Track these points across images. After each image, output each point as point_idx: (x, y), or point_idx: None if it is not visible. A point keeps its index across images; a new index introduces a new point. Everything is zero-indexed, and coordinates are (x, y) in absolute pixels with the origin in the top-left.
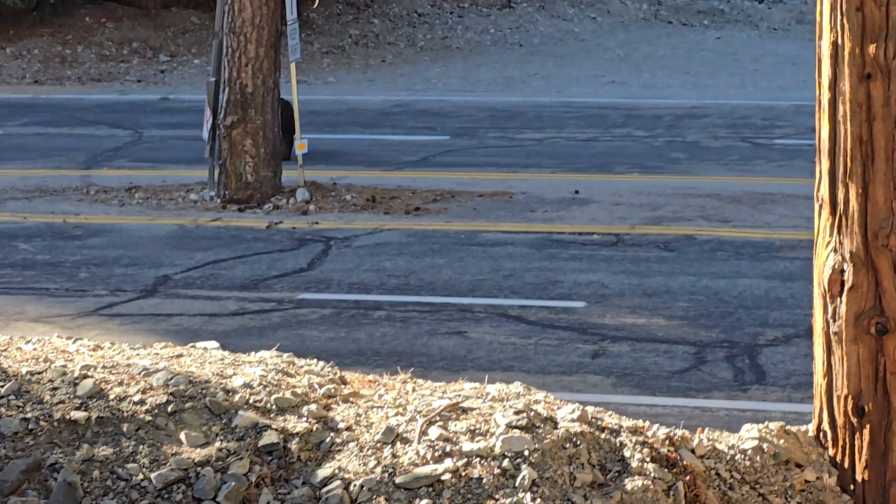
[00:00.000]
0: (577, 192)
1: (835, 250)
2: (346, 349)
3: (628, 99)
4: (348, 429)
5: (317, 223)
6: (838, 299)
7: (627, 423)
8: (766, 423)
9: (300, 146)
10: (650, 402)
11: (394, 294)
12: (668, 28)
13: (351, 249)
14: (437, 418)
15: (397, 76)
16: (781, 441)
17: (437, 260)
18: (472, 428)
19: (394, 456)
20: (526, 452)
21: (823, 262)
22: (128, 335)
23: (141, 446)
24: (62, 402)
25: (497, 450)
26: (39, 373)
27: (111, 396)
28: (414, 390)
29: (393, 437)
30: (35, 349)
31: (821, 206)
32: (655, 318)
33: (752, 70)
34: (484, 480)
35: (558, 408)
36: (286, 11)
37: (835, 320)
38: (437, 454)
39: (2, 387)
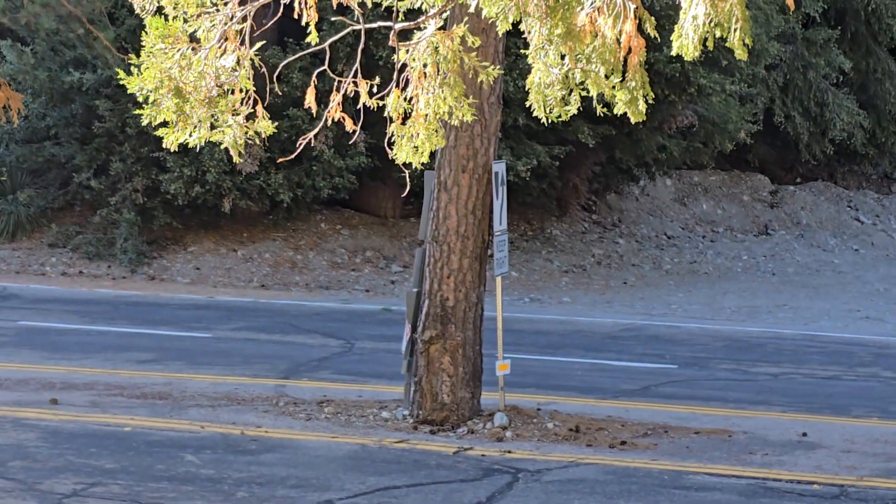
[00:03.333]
0: (804, 434)
1: None
2: None
3: (881, 336)
4: None
5: (509, 452)
6: None
7: None
8: None
9: (502, 367)
10: None
11: None
12: None
13: (539, 484)
14: None
15: (636, 299)
16: None
17: (631, 503)
18: None
19: None
20: None
21: None
22: None
23: None
24: None
25: None
26: None
27: None
28: None
29: None
30: None
31: None
32: None
33: None
34: None
35: None
36: (494, 222)
37: None
38: None
39: None
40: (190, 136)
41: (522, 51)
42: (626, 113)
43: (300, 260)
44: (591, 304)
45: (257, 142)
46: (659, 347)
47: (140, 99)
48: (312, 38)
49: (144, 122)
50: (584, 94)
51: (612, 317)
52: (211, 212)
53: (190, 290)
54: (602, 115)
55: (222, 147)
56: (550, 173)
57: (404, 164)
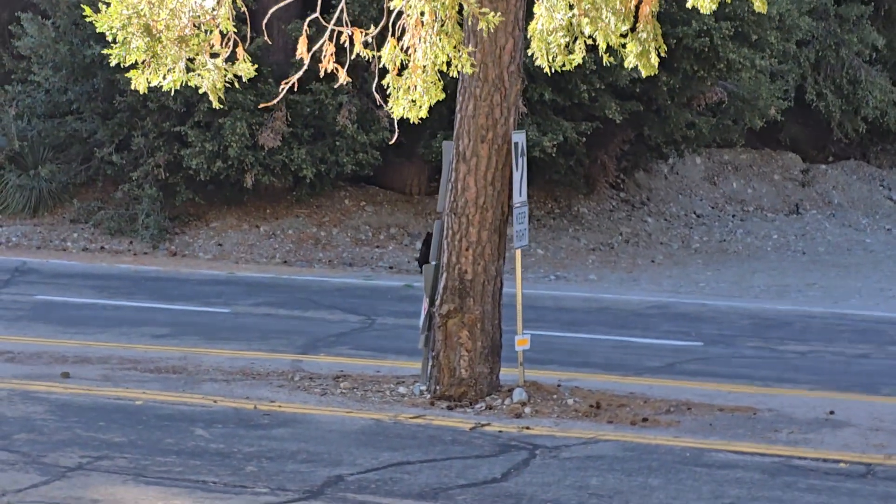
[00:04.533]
0: (831, 412)
1: None
2: None
3: None
4: None
5: (527, 428)
6: None
7: None
8: None
9: (521, 342)
10: None
11: None
12: None
13: (557, 461)
14: None
15: (664, 277)
16: None
17: (651, 480)
18: None
19: None
20: None
21: None
22: None
23: None
24: None
25: None
26: None
27: None
28: None
29: None
30: None
31: None
32: None
33: None
34: None
35: None
36: (513, 193)
37: None
38: None
39: None
40: (164, 78)
41: None
42: (653, 89)
43: (323, 236)
44: (617, 282)
45: (237, 85)
46: (685, 325)
47: (109, 38)
48: None
49: (113, 63)
50: (590, 42)
51: (639, 294)
52: (233, 187)
53: (211, 266)
54: (630, 90)
55: (200, 91)
56: (578, 150)
57: (401, 119)
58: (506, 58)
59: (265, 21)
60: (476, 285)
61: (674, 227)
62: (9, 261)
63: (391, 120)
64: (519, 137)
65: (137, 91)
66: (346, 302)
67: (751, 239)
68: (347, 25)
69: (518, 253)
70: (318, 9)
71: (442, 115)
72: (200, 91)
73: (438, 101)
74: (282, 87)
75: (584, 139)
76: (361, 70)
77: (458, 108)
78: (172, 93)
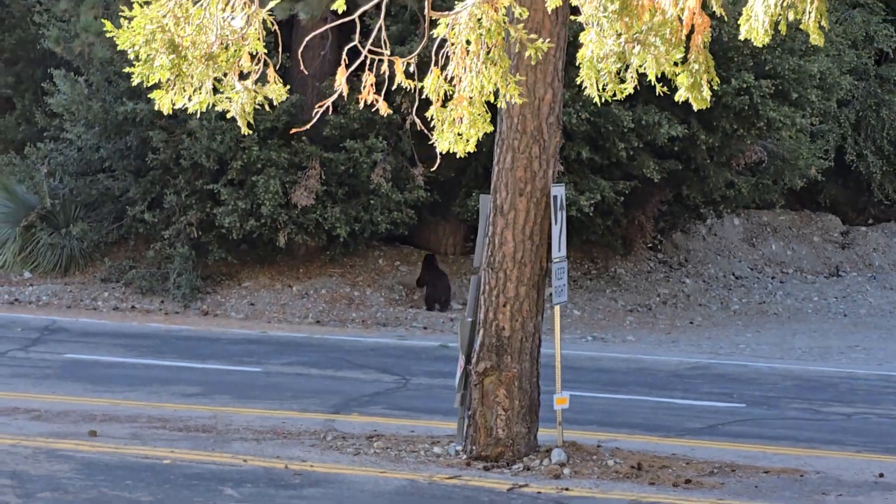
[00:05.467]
0: (881, 475)
1: None
2: None
3: None
4: None
5: (567, 489)
6: None
7: None
8: None
9: (560, 400)
10: None
11: None
12: None
13: None
14: None
15: (703, 339)
16: None
17: None
18: None
19: None
20: None
21: None
22: None
23: None
24: None
25: None
26: None
27: None
28: None
29: None
30: None
31: None
32: None
33: None
34: None
35: None
36: (552, 247)
37: None
38: None
39: None
40: (189, 99)
41: (575, 18)
42: (691, 147)
43: (357, 296)
44: (656, 343)
45: (267, 108)
46: (726, 386)
47: (131, 56)
48: (339, 4)
49: (135, 82)
50: (640, 70)
51: (678, 356)
52: (266, 246)
53: (243, 325)
54: (668, 149)
55: (228, 115)
56: (615, 210)
57: (447, 153)
58: (545, 109)
59: (300, 49)
60: (514, 342)
61: (712, 289)
62: (38, 319)
63: (426, 178)
64: (558, 191)
65: (170, 149)
66: (380, 362)
67: (791, 301)
68: (386, 45)
69: (557, 309)
70: (358, 34)
71: (477, 174)
72: (228, 115)
73: (473, 158)
74: (316, 109)
75: (622, 199)
76: (395, 128)
77: (495, 160)
78: (206, 153)
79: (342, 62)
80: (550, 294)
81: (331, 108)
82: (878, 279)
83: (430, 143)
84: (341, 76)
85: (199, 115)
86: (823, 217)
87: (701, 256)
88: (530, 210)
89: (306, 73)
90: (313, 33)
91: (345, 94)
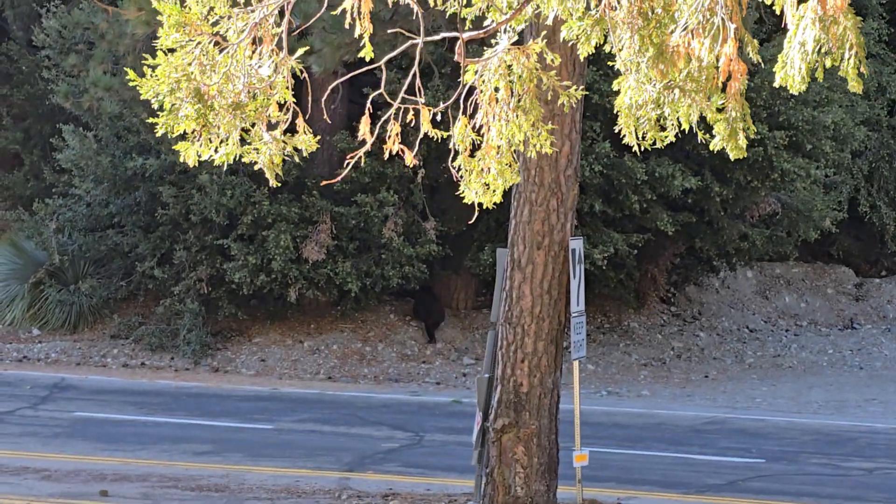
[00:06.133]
0: None
1: None
2: None
3: None
4: None
5: None
6: None
7: None
8: None
9: (579, 457)
10: None
11: None
12: None
13: None
14: None
15: (718, 392)
16: None
17: None
18: None
19: None
20: None
21: None
22: None
23: None
24: None
25: None
26: None
27: None
28: None
29: None
30: None
31: None
32: None
33: None
34: None
35: None
36: (571, 301)
37: None
38: None
39: None
40: (216, 151)
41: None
42: (705, 199)
43: (369, 352)
44: (670, 398)
45: (297, 159)
46: (744, 441)
47: (155, 106)
48: (366, 52)
49: (160, 133)
50: (676, 114)
51: (694, 410)
52: (277, 302)
53: (254, 381)
54: (681, 201)
55: (256, 167)
56: (628, 263)
57: (473, 203)
58: (563, 161)
59: (323, 98)
60: (532, 398)
61: (726, 342)
62: (47, 377)
63: (438, 233)
64: (576, 244)
65: (180, 204)
66: (393, 418)
67: (805, 354)
68: (421, 95)
69: (576, 364)
70: (383, 84)
71: (489, 227)
72: (256, 167)
73: (485, 212)
74: (348, 159)
75: (635, 251)
76: (407, 181)
77: (512, 213)
78: (216, 208)
79: (366, 111)
80: (568, 349)
81: (361, 134)
82: (893, 331)
83: (449, 195)
84: (365, 125)
85: (210, 170)
86: (837, 269)
87: (714, 309)
88: (548, 264)
89: (329, 122)
90: (331, 85)
91: (368, 141)
